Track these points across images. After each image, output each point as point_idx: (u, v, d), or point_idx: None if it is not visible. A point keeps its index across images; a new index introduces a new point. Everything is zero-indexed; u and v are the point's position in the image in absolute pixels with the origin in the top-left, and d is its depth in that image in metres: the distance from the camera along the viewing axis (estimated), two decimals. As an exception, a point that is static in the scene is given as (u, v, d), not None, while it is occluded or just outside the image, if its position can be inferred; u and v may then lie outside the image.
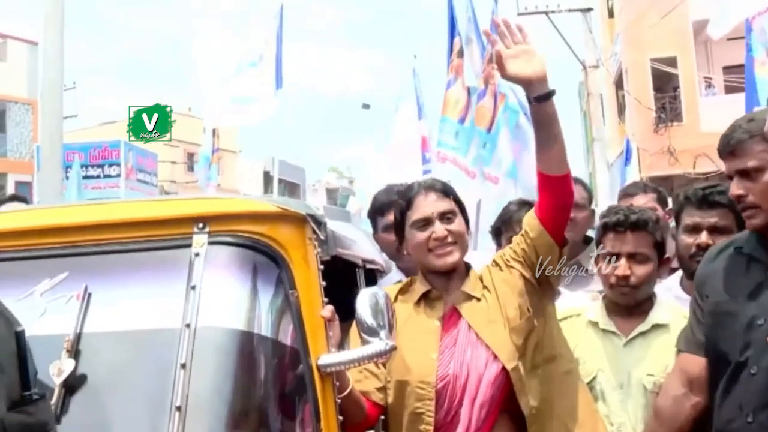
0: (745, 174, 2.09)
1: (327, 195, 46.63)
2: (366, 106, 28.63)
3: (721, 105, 17.23)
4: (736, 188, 2.12)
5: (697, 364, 2.19)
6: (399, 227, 2.37)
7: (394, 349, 1.97)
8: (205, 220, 1.98)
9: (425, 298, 2.29)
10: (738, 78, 14.21)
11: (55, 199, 6.58)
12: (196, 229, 1.97)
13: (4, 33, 28.47)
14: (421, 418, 2.14)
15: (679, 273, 2.84)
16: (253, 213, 2.05)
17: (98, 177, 19.89)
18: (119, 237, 2.02)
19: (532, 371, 2.17)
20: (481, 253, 3.33)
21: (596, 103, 16.31)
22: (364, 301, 1.99)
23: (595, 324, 2.57)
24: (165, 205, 2.26)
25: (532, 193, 2.30)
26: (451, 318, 2.25)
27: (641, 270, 2.49)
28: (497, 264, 2.31)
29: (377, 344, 1.94)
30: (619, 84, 22.76)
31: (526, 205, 2.80)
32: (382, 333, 1.95)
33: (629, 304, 2.54)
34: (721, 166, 2.20)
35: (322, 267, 2.06)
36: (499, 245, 3.05)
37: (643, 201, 3.54)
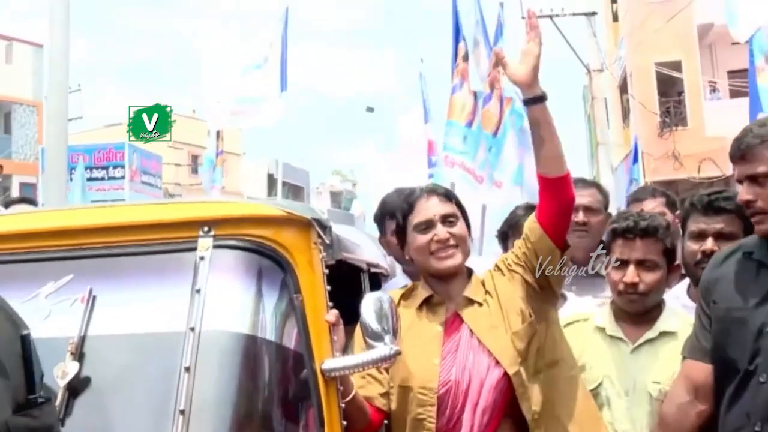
0: (755, 179, 2.08)
1: (331, 198, 46.64)
2: (370, 110, 28.74)
3: (725, 109, 17.21)
4: (745, 193, 2.10)
5: (703, 371, 2.17)
6: (401, 231, 2.37)
7: (398, 353, 1.96)
8: (210, 223, 1.98)
9: (427, 304, 2.29)
10: (743, 82, 14.17)
11: (59, 201, 6.58)
12: (201, 233, 1.97)
13: (9, 35, 28.59)
14: (423, 424, 2.13)
15: (686, 281, 2.81)
16: (258, 217, 2.05)
17: (102, 179, 19.96)
18: (124, 240, 2.02)
19: (534, 376, 2.17)
20: (486, 258, 3.31)
21: (601, 107, 16.33)
22: (369, 305, 1.99)
23: (602, 330, 2.54)
24: (170, 209, 2.26)
25: (536, 198, 2.30)
26: (453, 323, 2.24)
27: (650, 277, 2.47)
28: (499, 269, 2.31)
29: (382, 349, 1.94)
30: (623, 88, 22.72)
31: (533, 209, 2.79)
32: (387, 338, 1.95)
33: (638, 311, 2.51)
34: (726, 170, 2.19)
35: (327, 271, 2.05)
36: (505, 250, 3.04)
37: (652, 205, 3.52)
